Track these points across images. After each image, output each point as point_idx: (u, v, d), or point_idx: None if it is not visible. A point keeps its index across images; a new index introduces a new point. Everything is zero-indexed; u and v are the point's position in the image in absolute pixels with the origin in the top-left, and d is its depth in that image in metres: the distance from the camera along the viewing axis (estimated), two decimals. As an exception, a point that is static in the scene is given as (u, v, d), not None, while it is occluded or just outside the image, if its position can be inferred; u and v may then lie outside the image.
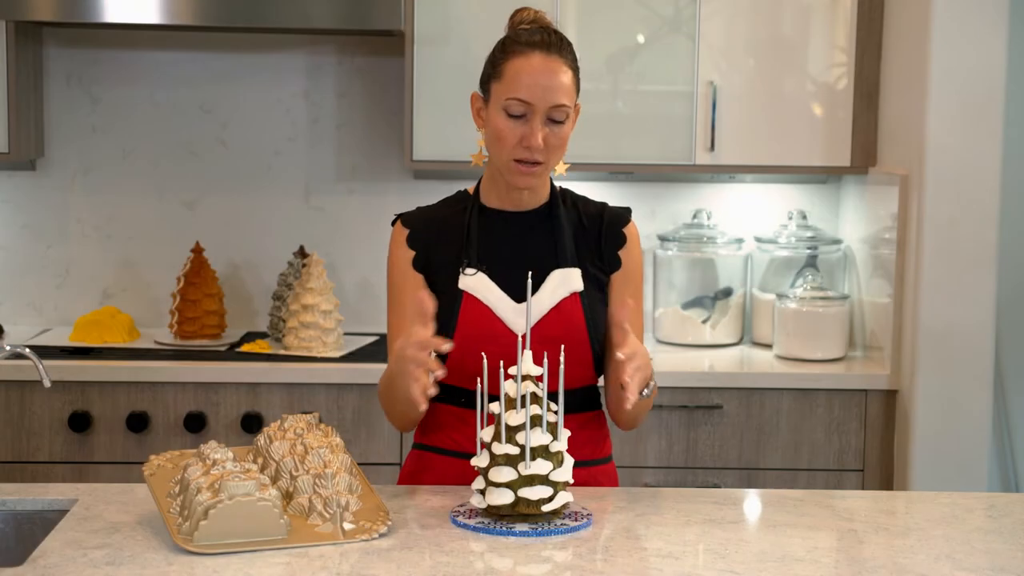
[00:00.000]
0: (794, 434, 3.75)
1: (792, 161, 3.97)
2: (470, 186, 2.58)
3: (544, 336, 2.42)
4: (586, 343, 2.48)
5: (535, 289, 2.46)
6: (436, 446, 2.52)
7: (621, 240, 2.53)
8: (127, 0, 3.67)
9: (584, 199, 2.58)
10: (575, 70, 2.44)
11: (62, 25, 4.07)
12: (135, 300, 4.22)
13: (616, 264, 2.53)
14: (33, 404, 3.67)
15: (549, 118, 2.40)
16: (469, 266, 2.48)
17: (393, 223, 2.58)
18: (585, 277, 2.49)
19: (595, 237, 2.52)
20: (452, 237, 2.51)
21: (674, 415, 3.73)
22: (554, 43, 2.42)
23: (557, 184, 2.58)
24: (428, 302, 2.27)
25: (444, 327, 2.48)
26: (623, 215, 2.56)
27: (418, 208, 2.59)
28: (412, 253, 2.53)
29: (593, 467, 2.52)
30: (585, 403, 2.52)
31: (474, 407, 2.43)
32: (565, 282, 2.47)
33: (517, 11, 2.48)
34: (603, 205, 2.57)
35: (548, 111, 2.39)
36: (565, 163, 2.53)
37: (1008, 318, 4.28)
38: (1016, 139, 4.12)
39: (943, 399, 3.65)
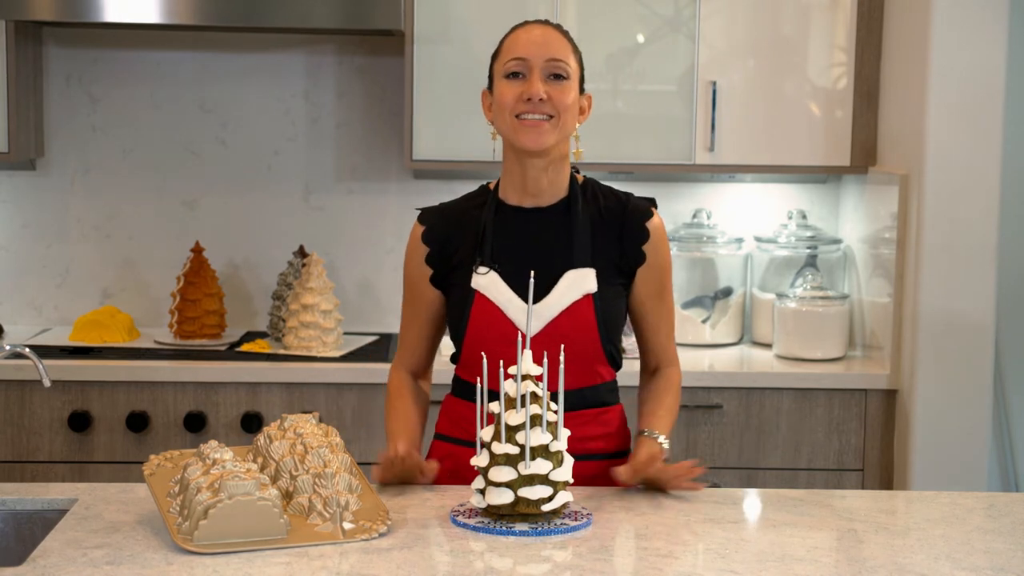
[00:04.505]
0: (794, 434, 3.75)
1: (792, 161, 3.97)
2: (491, 181, 2.59)
3: (554, 337, 2.42)
4: (597, 344, 2.48)
5: (548, 289, 2.46)
6: (456, 437, 2.56)
7: (644, 235, 2.51)
8: (127, 0, 3.67)
9: (608, 190, 2.56)
10: (575, 48, 2.49)
11: (62, 25, 4.07)
12: (135, 300, 4.22)
13: (640, 258, 2.51)
14: (33, 404, 3.67)
15: (549, 74, 2.42)
16: (482, 265, 2.48)
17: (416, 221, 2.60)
18: (600, 277, 2.49)
19: (616, 231, 2.50)
20: (469, 233, 2.52)
21: (674, 415, 3.72)
22: (552, 23, 2.50)
23: (581, 173, 2.57)
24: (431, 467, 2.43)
25: (456, 326, 2.50)
26: (646, 209, 2.53)
27: (439, 204, 2.60)
28: (426, 249, 2.54)
29: (608, 461, 2.51)
30: (599, 399, 2.52)
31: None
32: (578, 283, 2.47)
33: None
34: (627, 197, 2.55)
35: (546, 66, 2.42)
36: (580, 149, 2.53)
37: (1008, 318, 4.28)
38: (1016, 139, 4.12)
39: (943, 399, 3.65)
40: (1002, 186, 3.66)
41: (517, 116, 2.42)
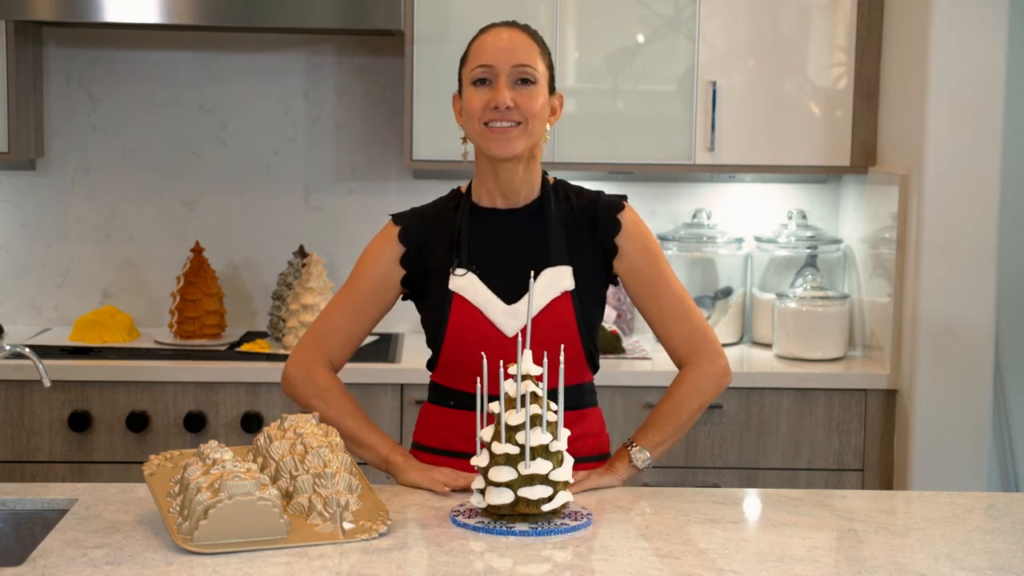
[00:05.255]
0: (794, 434, 3.75)
1: (792, 161, 3.97)
2: (462, 185, 2.59)
3: (534, 336, 2.40)
4: (577, 342, 2.47)
5: (527, 288, 2.45)
6: (431, 446, 2.54)
7: (616, 227, 2.50)
8: (127, 0, 3.67)
9: (579, 189, 2.56)
10: (543, 49, 2.47)
11: (62, 25, 4.07)
12: (135, 300, 4.22)
13: (613, 251, 2.50)
14: (33, 404, 3.67)
15: (517, 79, 2.41)
16: (459, 267, 2.47)
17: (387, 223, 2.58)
18: (577, 274, 2.48)
19: (589, 226, 2.50)
20: (444, 237, 2.51)
21: (674, 415, 3.72)
22: (519, 24, 2.48)
23: (551, 175, 2.57)
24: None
25: (435, 329, 2.49)
26: (616, 202, 2.53)
27: (412, 208, 2.59)
28: (402, 249, 2.52)
29: (589, 463, 2.52)
30: (578, 400, 2.52)
31: (463, 408, 2.44)
32: (555, 281, 2.46)
33: None
34: (598, 194, 2.55)
35: (512, 72, 2.41)
36: (544, 143, 2.51)
37: (1008, 317, 4.28)
38: (1016, 139, 4.12)
39: (943, 399, 3.65)
40: (1002, 186, 3.66)
41: (485, 124, 2.42)
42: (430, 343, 2.52)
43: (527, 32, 2.47)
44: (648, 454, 2.49)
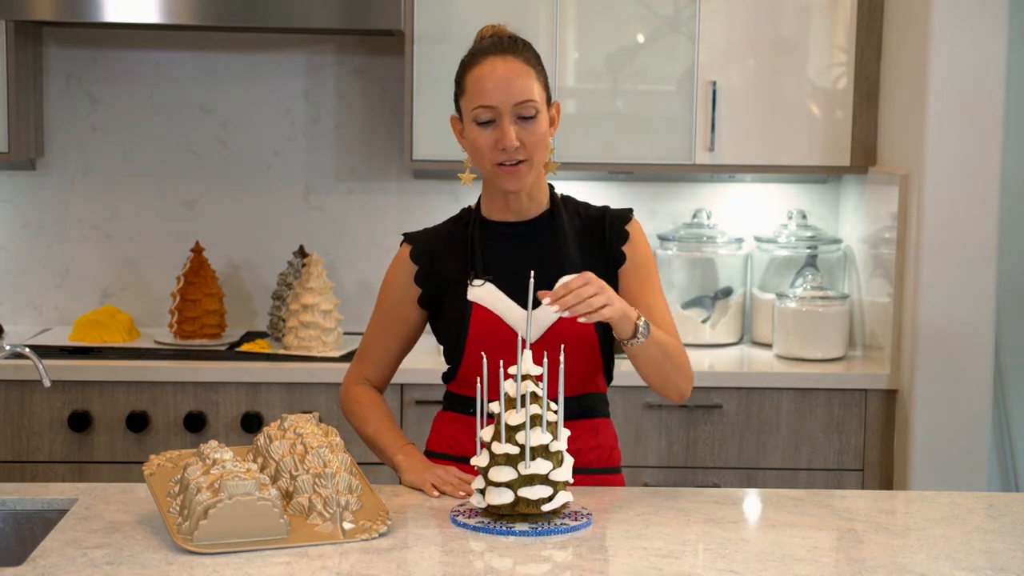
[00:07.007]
0: (794, 434, 3.75)
1: (792, 161, 3.97)
2: (472, 203, 2.60)
3: (554, 344, 2.41)
4: (596, 349, 2.48)
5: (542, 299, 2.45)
6: (445, 452, 2.55)
7: (624, 236, 2.54)
8: (127, 0, 3.67)
9: (586, 204, 2.59)
10: (537, 67, 2.46)
11: (62, 25, 4.07)
12: (135, 300, 4.22)
13: (621, 259, 2.53)
14: (33, 404, 3.67)
15: (518, 116, 2.41)
16: (476, 277, 2.48)
17: (401, 244, 2.60)
18: None
19: (599, 236, 2.53)
20: (457, 252, 2.53)
21: (674, 415, 3.73)
22: (507, 45, 2.45)
23: (559, 190, 2.59)
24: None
25: (454, 339, 2.49)
26: (624, 214, 2.57)
27: (424, 228, 2.61)
28: (415, 268, 2.54)
29: (600, 475, 2.52)
30: (593, 409, 2.52)
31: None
32: None
33: (480, 29, 2.52)
34: (605, 208, 2.58)
35: (514, 109, 2.41)
36: (555, 161, 2.54)
37: (1008, 318, 4.28)
38: (1016, 139, 4.12)
39: (943, 399, 3.65)
40: (1002, 186, 3.66)
41: (497, 164, 2.43)
42: (448, 356, 2.53)
43: (520, 56, 2.44)
44: (649, 331, 2.38)
